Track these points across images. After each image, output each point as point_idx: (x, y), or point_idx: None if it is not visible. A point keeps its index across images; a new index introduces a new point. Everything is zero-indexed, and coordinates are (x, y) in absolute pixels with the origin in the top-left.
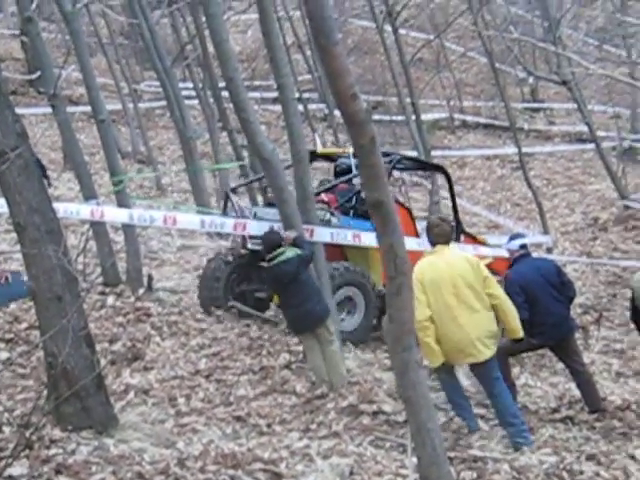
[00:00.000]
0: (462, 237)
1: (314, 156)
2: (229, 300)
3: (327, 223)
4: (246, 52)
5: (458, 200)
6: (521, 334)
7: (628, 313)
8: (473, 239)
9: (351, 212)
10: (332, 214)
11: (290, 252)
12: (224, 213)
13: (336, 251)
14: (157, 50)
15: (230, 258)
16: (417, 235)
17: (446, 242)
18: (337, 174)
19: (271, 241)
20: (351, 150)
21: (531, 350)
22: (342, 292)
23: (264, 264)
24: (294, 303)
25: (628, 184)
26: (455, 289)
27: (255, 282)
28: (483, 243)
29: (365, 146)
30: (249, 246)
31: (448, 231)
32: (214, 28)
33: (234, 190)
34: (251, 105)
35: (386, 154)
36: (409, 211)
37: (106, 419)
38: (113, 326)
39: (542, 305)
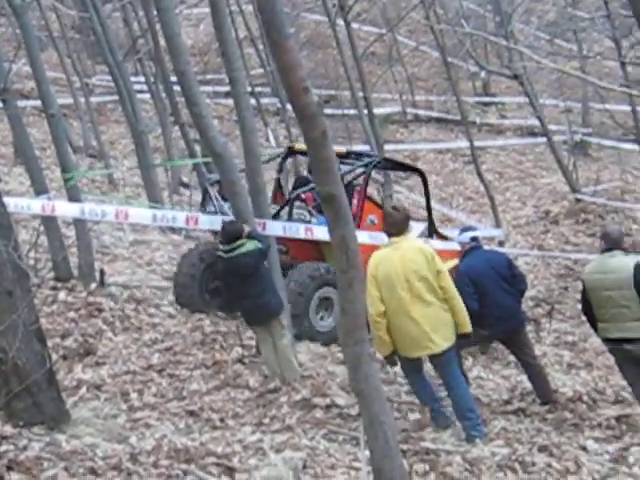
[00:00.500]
0: (434, 237)
1: (291, 152)
2: (204, 297)
3: (307, 223)
4: (198, 46)
5: (410, 194)
6: (469, 329)
7: (579, 305)
8: (445, 239)
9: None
10: (311, 213)
11: (250, 244)
12: (202, 207)
13: (313, 249)
14: (109, 44)
15: (204, 255)
16: None
17: (399, 232)
18: (310, 170)
19: (231, 232)
20: (344, 150)
21: (481, 343)
22: (321, 292)
23: (221, 254)
24: (251, 294)
25: (579, 177)
26: (408, 283)
27: None
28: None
29: (317, 140)
30: None
31: (400, 221)
32: (165, 22)
33: (213, 184)
34: (203, 99)
35: (367, 155)
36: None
37: (58, 415)
38: (65, 321)
39: (492, 297)
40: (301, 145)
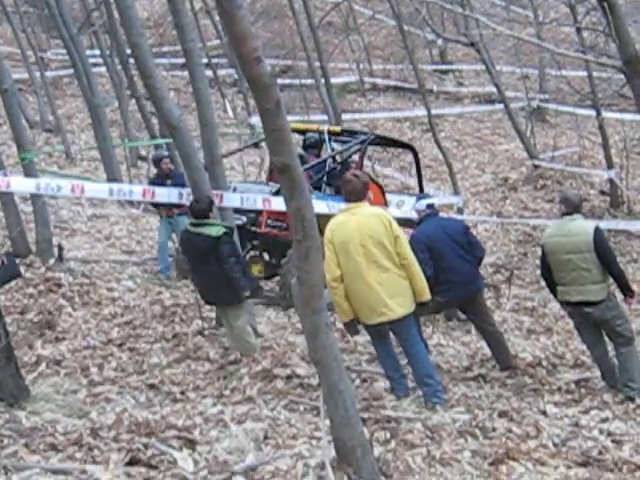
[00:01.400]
0: None
1: None
2: None
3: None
4: (153, 18)
5: (368, 162)
6: (428, 296)
7: (539, 271)
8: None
9: (324, 188)
10: (310, 191)
11: (215, 229)
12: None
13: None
14: (63, 17)
15: None
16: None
17: (358, 199)
18: (306, 147)
19: (198, 210)
20: (325, 128)
21: (440, 310)
22: None
23: (188, 227)
24: (207, 274)
25: (537, 144)
26: (364, 248)
27: None
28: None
29: (270, 110)
30: None
31: (360, 188)
32: None
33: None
34: (158, 71)
35: (362, 133)
36: (380, 187)
37: (17, 391)
38: (23, 297)
39: (448, 263)
40: (295, 124)
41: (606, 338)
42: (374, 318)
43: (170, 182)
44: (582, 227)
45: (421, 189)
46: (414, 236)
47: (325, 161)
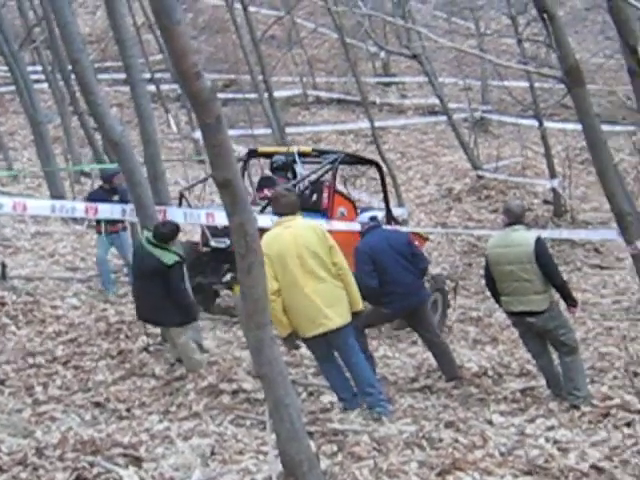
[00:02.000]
0: (392, 225)
1: (255, 154)
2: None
3: None
4: (96, 33)
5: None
6: (361, 306)
7: (483, 281)
8: (413, 234)
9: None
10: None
11: (169, 256)
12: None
13: None
14: (3, 33)
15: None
16: None
17: (292, 212)
18: (273, 170)
19: (164, 234)
20: (295, 149)
21: (384, 321)
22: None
23: (143, 241)
24: (149, 294)
25: (480, 154)
26: (301, 260)
27: (211, 275)
28: (424, 238)
29: (211, 124)
30: (212, 244)
31: (294, 201)
32: (57, 9)
33: (188, 190)
34: (99, 87)
35: (332, 152)
36: (353, 204)
37: None
38: None
39: (391, 275)
40: (264, 148)
41: (551, 347)
42: (313, 329)
43: (117, 197)
44: (523, 238)
45: (387, 204)
46: (358, 248)
47: (296, 184)
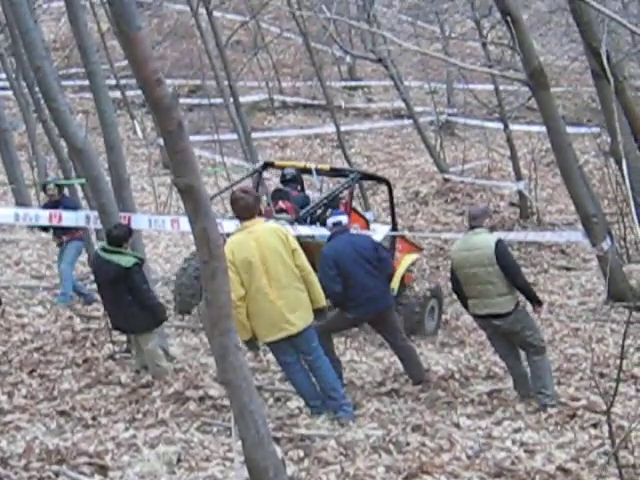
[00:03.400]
0: (398, 240)
1: (270, 166)
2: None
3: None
4: (60, 40)
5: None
6: (323, 303)
7: (450, 284)
8: (410, 245)
9: (308, 220)
10: (292, 223)
11: (126, 259)
12: None
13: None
14: None
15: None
16: None
17: (252, 215)
18: (284, 182)
19: (117, 236)
20: (312, 166)
21: (349, 326)
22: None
23: (99, 251)
24: (115, 302)
25: (446, 158)
26: (265, 266)
27: None
28: (419, 249)
29: (173, 132)
30: None
31: (252, 203)
32: (19, 17)
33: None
34: (62, 94)
35: (350, 171)
36: (367, 221)
37: None
38: None
39: (356, 279)
40: (281, 162)
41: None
42: (274, 334)
43: (61, 207)
44: (485, 240)
45: (393, 219)
46: (322, 253)
47: (307, 197)
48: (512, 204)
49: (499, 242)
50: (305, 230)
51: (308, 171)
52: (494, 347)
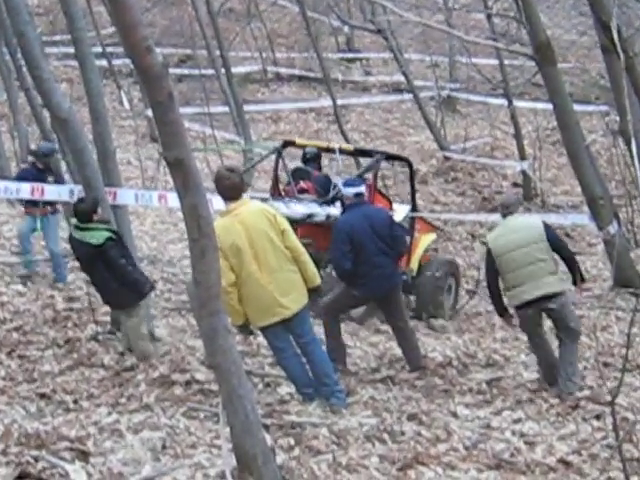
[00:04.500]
0: (417, 222)
1: (290, 145)
2: None
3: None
4: (44, 5)
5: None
6: (317, 281)
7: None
8: (428, 225)
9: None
10: (319, 203)
11: (99, 234)
12: None
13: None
14: None
15: None
16: None
17: (238, 196)
18: (305, 161)
19: (82, 211)
20: (336, 146)
21: (356, 305)
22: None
23: (72, 231)
24: (97, 279)
25: (447, 135)
26: (254, 250)
27: None
28: (436, 228)
29: (163, 102)
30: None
31: (238, 183)
32: None
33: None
34: (45, 61)
35: (375, 152)
36: (390, 201)
37: None
38: None
39: (367, 255)
40: (302, 140)
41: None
42: (268, 318)
43: (52, 179)
44: (528, 221)
45: (413, 200)
46: (336, 226)
47: (328, 177)
48: (515, 184)
49: (545, 223)
50: (334, 211)
51: (330, 151)
52: (531, 338)
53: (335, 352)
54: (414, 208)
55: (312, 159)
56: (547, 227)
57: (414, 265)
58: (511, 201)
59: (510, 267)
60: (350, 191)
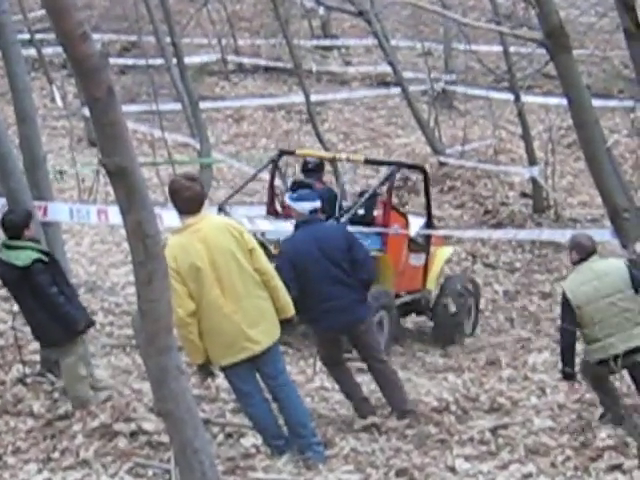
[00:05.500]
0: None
1: (288, 154)
2: None
3: None
4: None
5: (233, 162)
6: (291, 311)
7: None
8: (442, 237)
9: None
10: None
11: (25, 255)
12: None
13: None
14: None
15: None
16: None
17: (198, 209)
18: (306, 171)
19: (10, 224)
20: (343, 157)
21: (331, 343)
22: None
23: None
24: (23, 309)
25: (443, 136)
26: (217, 273)
27: None
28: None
29: (101, 99)
30: None
31: (200, 193)
32: None
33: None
34: None
35: (389, 163)
36: (406, 219)
37: None
38: None
39: (314, 285)
40: (303, 150)
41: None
42: (233, 355)
43: None
44: (611, 265)
45: (429, 211)
46: (280, 250)
47: (332, 191)
48: (524, 194)
49: (629, 265)
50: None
51: (334, 161)
52: (604, 393)
53: (351, 400)
54: (429, 221)
55: (314, 170)
56: (633, 271)
57: (431, 285)
58: (589, 245)
59: (594, 319)
60: (304, 207)
